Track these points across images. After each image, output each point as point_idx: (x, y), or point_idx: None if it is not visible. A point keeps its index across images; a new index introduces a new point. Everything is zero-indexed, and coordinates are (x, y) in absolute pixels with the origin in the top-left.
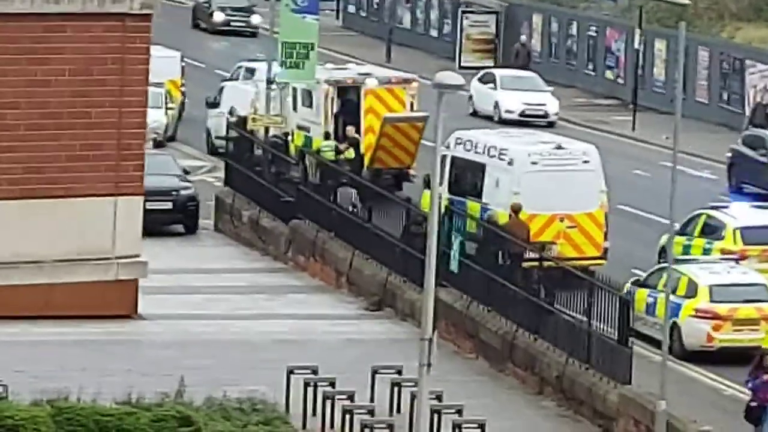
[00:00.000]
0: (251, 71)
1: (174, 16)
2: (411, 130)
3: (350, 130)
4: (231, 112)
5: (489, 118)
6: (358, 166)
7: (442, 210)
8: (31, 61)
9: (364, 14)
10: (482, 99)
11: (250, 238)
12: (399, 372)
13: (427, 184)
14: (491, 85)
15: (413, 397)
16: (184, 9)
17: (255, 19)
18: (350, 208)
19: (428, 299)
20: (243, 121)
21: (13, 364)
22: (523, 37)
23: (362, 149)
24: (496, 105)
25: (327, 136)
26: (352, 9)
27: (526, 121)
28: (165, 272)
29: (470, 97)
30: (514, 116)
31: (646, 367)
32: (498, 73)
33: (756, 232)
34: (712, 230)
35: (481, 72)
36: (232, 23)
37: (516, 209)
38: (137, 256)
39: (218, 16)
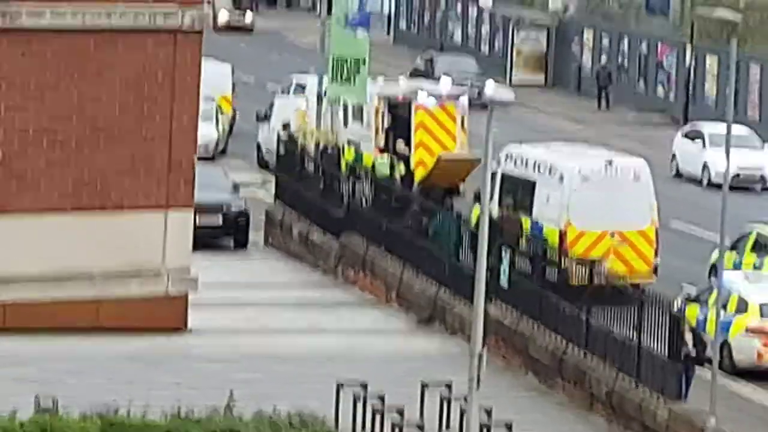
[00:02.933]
0: (302, 86)
1: None
2: (463, 166)
3: (400, 143)
4: (285, 126)
5: (696, 181)
6: (408, 181)
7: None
8: (83, 75)
9: (415, 29)
10: (688, 159)
11: (300, 252)
12: (448, 387)
13: (478, 198)
14: (698, 142)
15: (462, 412)
16: None
17: (248, 17)
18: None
19: (478, 314)
20: (294, 135)
21: (64, 378)
22: (604, 58)
23: (412, 165)
24: (705, 166)
25: (382, 151)
26: (403, 24)
27: (740, 186)
28: (215, 286)
29: (673, 157)
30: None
31: (696, 384)
32: (706, 129)
33: None
34: (762, 247)
35: (686, 127)
36: (232, 23)
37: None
38: (187, 270)
39: (222, 19)
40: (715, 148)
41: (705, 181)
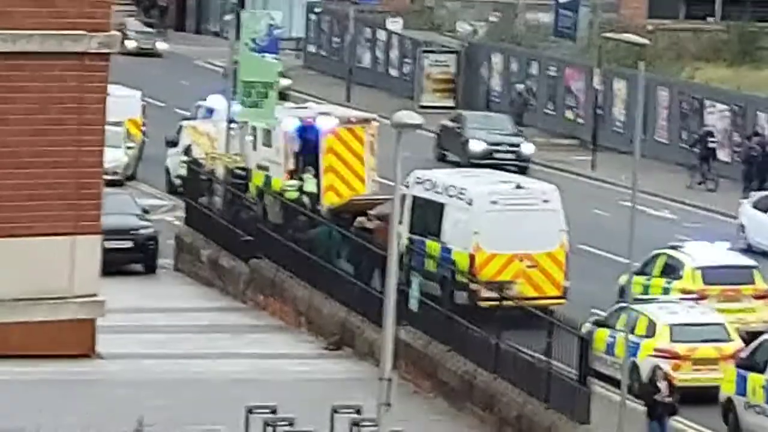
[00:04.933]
0: (210, 110)
1: None
2: (373, 206)
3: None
4: (187, 152)
5: None
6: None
7: (402, 249)
8: None
9: (324, 54)
10: (760, 230)
11: (210, 277)
12: (358, 411)
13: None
14: None
15: None
16: None
17: (161, 46)
18: None
19: (387, 338)
20: (198, 160)
21: None
22: (520, 86)
23: (322, 189)
24: None
25: (291, 176)
26: (312, 48)
27: None
28: (123, 311)
29: (742, 227)
30: None
31: (606, 407)
32: None
33: (715, 272)
34: (671, 270)
35: (756, 196)
36: (142, 48)
37: (380, 216)
38: (95, 295)
39: (130, 44)
40: None
41: None
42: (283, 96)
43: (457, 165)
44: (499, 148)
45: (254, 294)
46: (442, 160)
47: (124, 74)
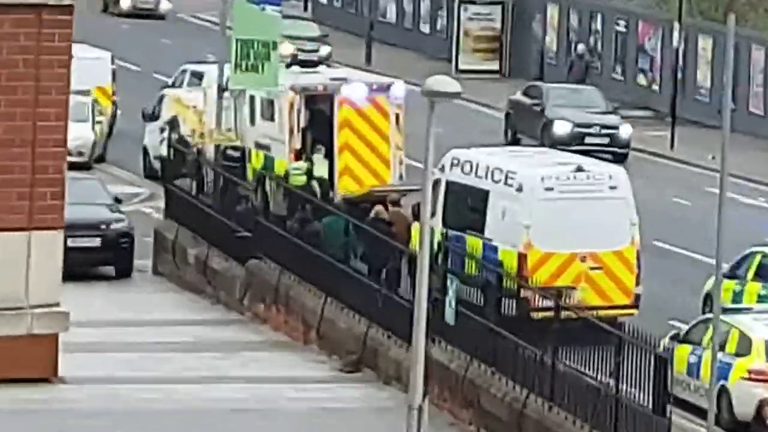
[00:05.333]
0: (198, 76)
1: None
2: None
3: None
4: (172, 126)
5: None
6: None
7: (435, 247)
8: None
9: (338, 4)
10: None
11: (198, 282)
12: None
13: (417, 215)
14: None
15: None
16: None
17: (165, 6)
18: None
19: (417, 358)
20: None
21: None
22: (581, 46)
23: (336, 172)
24: None
25: (298, 157)
26: None
27: None
28: (91, 325)
29: None
30: None
31: None
32: None
33: None
34: None
35: None
36: (140, 8)
37: (393, 201)
38: (56, 305)
39: (125, 3)
40: None
41: None
42: (318, 65)
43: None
44: (590, 130)
45: (253, 303)
46: (516, 146)
47: (88, 31)
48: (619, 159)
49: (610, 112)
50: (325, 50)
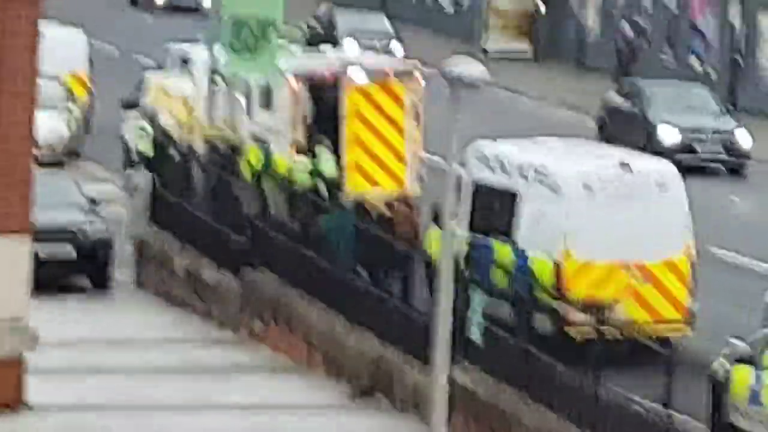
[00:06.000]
0: (185, 59)
1: None
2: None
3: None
4: (155, 116)
5: None
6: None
7: (460, 255)
8: None
9: None
10: None
11: (186, 296)
12: None
13: (436, 217)
14: None
15: None
16: None
17: None
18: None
19: (438, 383)
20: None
21: None
22: (628, 27)
23: (343, 168)
24: None
25: (299, 151)
26: None
27: None
28: (63, 345)
29: None
30: None
31: None
32: None
33: None
34: None
35: None
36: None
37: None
38: (22, 319)
39: None
40: None
41: None
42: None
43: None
44: (701, 136)
45: (249, 320)
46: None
47: (60, 7)
48: (736, 171)
49: (722, 114)
50: (396, 48)
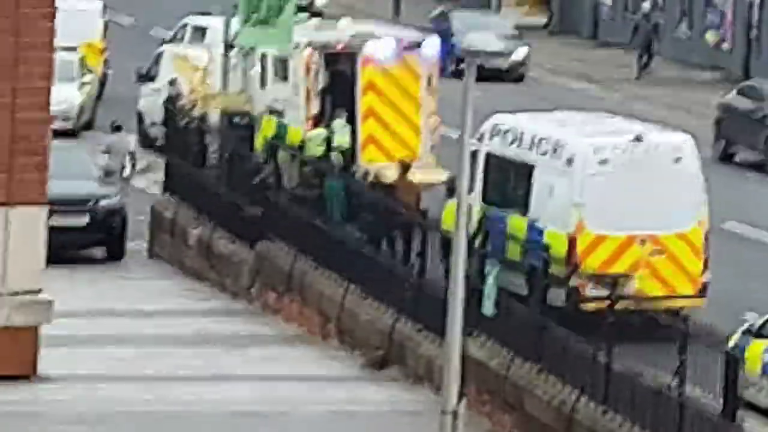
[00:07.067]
0: (201, 31)
1: None
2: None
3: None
4: (171, 85)
5: None
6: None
7: (473, 227)
8: None
9: None
10: None
11: (200, 267)
12: None
13: (451, 191)
14: None
15: None
16: None
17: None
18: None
19: (452, 355)
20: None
21: None
22: (646, 5)
23: (358, 141)
24: None
25: (316, 124)
26: None
27: None
28: (77, 316)
29: None
30: None
31: None
32: None
33: None
34: None
35: None
36: None
37: (405, 166)
38: (37, 292)
39: None
40: None
41: None
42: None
43: (759, 168)
44: None
45: (263, 291)
46: (728, 161)
47: None
48: None
49: None
50: (522, 52)
